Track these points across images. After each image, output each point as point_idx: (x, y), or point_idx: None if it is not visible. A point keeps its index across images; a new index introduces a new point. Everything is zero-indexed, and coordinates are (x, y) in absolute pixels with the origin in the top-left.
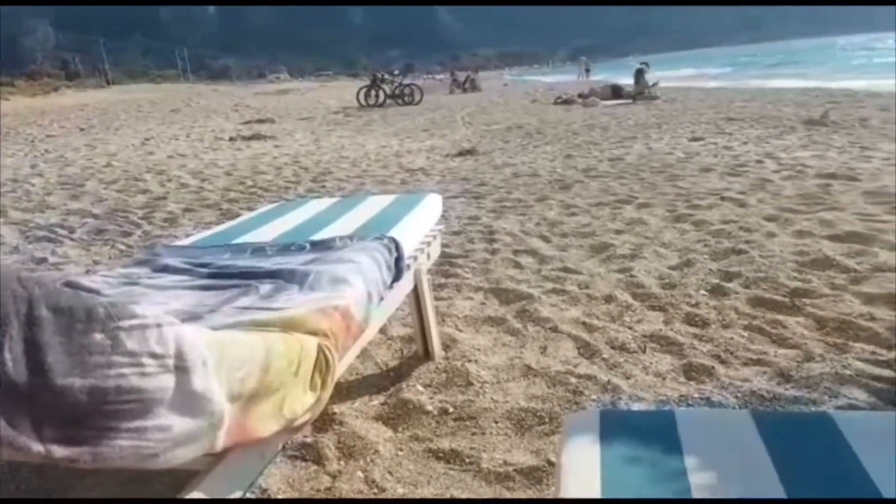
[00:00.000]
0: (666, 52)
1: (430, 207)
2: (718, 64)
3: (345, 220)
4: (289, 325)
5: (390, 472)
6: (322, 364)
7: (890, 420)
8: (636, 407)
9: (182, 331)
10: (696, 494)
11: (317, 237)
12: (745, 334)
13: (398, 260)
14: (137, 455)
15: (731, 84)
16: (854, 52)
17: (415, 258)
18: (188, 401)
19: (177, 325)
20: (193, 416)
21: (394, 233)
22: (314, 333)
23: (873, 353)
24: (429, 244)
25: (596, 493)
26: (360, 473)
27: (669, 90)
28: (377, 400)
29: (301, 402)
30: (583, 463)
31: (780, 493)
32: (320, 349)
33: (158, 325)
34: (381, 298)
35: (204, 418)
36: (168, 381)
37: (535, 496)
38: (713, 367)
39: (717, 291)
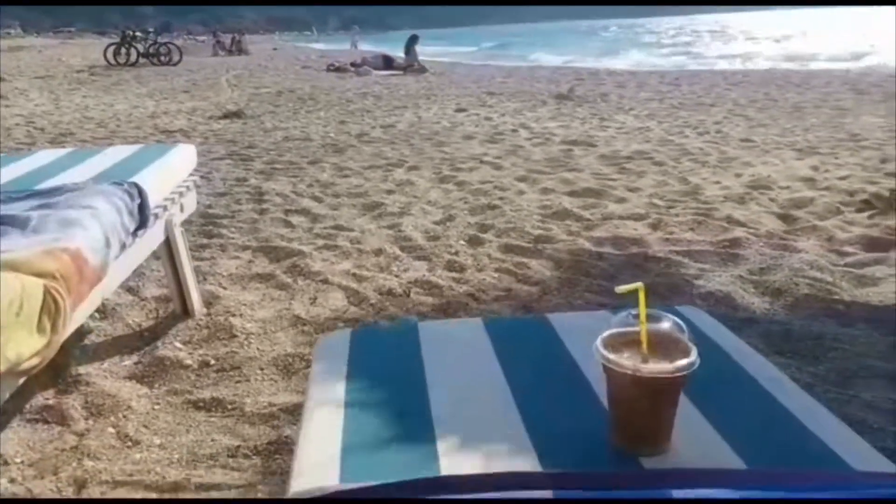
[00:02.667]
0: (436, 27)
1: (182, 158)
2: (483, 42)
3: (80, 169)
4: (9, 267)
5: (145, 426)
6: (50, 306)
7: (592, 317)
8: None
9: None
10: (431, 392)
11: (46, 186)
12: (496, 275)
13: (142, 206)
14: None
15: (494, 61)
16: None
17: (164, 208)
18: None
19: None
20: None
21: (137, 180)
22: (40, 275)
23: (599, 285)
24: (181, 195)
25: (340, 400)
26: (110, 429)
27: (438, 64)
28: (129, 360)
29: (27, 344)
30: (331, 373)
31: (503, 383)
32: (47, 291)
33: None
34: (123, 245)
35: None
36: None
37: None
38: (468, 304)
39: (473, 241)
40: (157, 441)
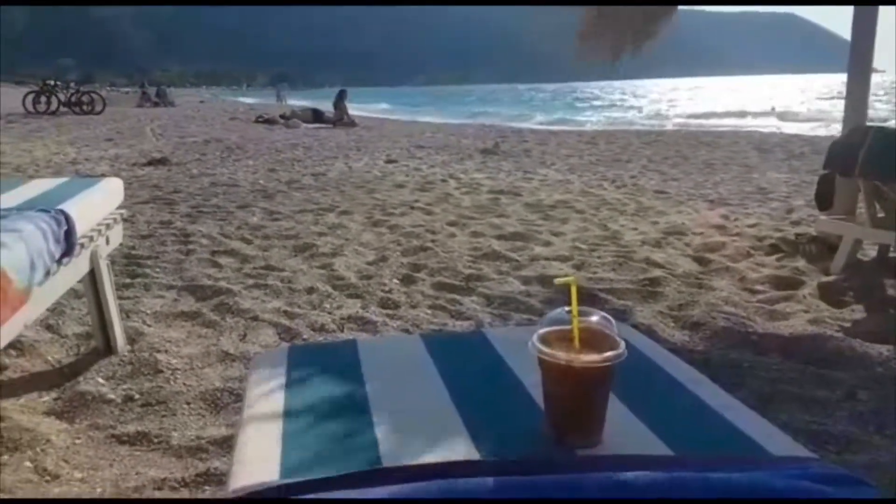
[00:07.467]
0: (367, 86)
1: (108, 191)
2: (414, 101)
3: (3, 198)
4: None
5: (65, 460)
6: None
7: (526, 331)
8: None
9: None
10: (372, 403)
11: None
12: (430, 311)
13: (69, 233)
14: None
15: (422, 118)
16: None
17: (91, 238)
18: None
19: None
20: None
21: (63, 208)
22: None
23: (528, 319)
24: (108, 227)
25: (279, 405)
26: (28, 463)
27: (368, 119)
28: (48, 395)
29: None
30: (269, 382)
31: (442, 388)
32: None
33: None
34: (48, 271)
35: None
36: None
37: None
38: None
39: (407, 280)
40: (79, 475)
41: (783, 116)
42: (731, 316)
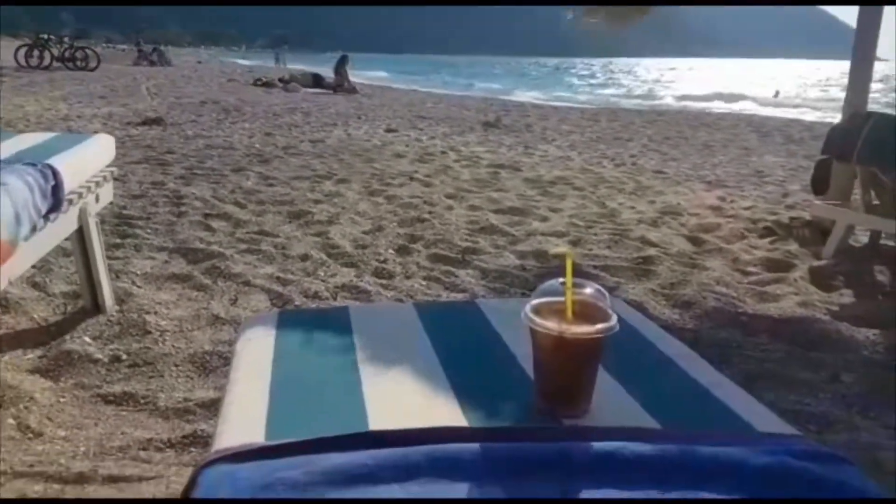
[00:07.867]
0: (367, 51)
1: (99, 147)
2: (415, 69)
3: None
4: None
5: (49, 418)
6: None
7: (518, 303)
8: None
9: None
10: (362, 368)
11: None
12: (424, 283)
13: (56, 188)
14: None
15: (423, 88)
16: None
17: (79, 195)
18: None
19: None
20: None
21: (51, 163)
22: None
23: (523, 293)
24: (98, 185)
25: (267, 368)
26: (10, 420)
27: (368, 87)
28: (34, 353)
29: None
30: (258, 346)
31: (433, 356)
32: None
33: None
34: (34, 226)
35: None
36: None
37: None
38: None
39: (402, 251)
40: (62, 433)
41: (764, 102)
42: (721, 296)
